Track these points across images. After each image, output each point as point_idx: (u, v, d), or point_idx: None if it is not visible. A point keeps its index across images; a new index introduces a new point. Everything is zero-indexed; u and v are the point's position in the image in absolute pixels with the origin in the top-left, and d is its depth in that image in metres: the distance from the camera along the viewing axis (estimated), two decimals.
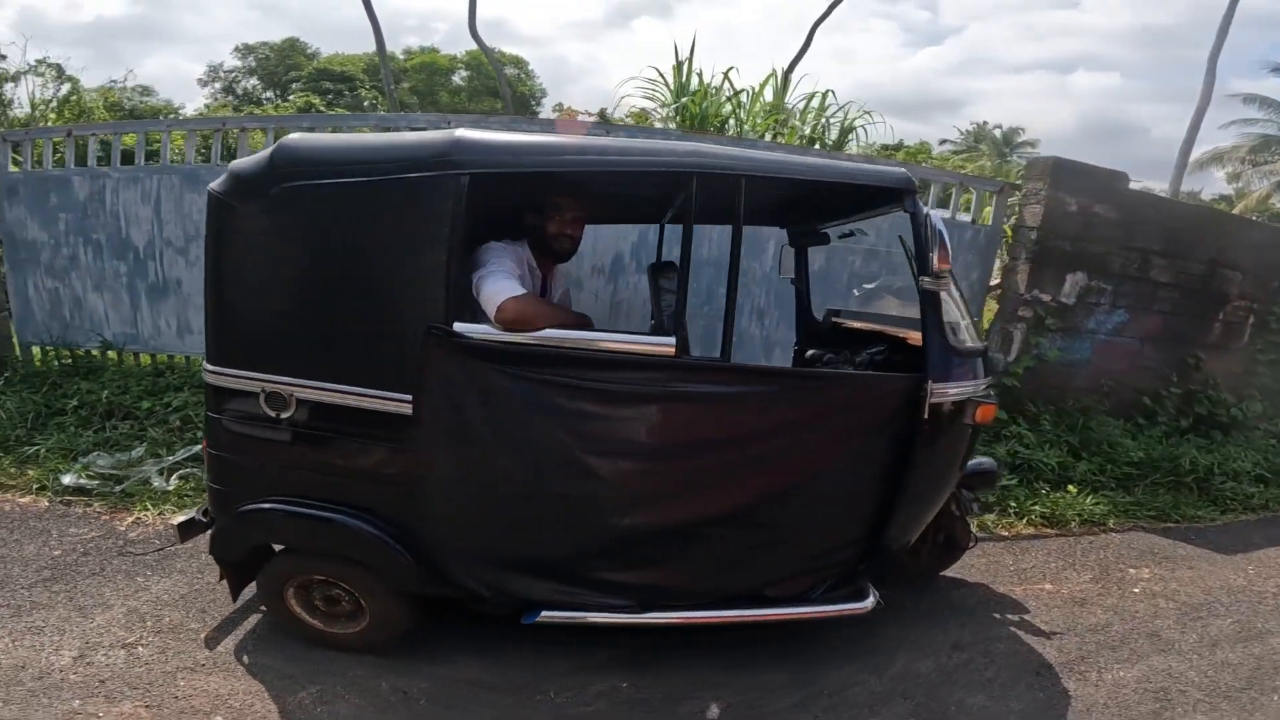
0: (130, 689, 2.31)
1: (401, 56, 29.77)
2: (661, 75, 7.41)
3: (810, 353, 3.64)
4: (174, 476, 3.90)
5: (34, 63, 8.28)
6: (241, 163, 2.37)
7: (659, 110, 7.49)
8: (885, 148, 10.72)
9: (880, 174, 2.48)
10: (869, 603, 2.50)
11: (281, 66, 30.60)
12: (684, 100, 7.13)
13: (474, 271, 2.37)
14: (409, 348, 2.17)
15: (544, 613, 2.38)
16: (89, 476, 3.86)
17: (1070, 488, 4.40)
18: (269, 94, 29.61)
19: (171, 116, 13.15)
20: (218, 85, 34.56)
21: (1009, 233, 5.21)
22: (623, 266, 4.86)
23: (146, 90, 21.81)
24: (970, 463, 3.26)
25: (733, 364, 2.38)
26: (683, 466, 2.33)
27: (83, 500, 3.71)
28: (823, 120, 7.13)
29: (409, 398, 2.20)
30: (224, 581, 2.55)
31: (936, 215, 2.25)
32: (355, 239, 2.23)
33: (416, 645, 2.58)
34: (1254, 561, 3.80)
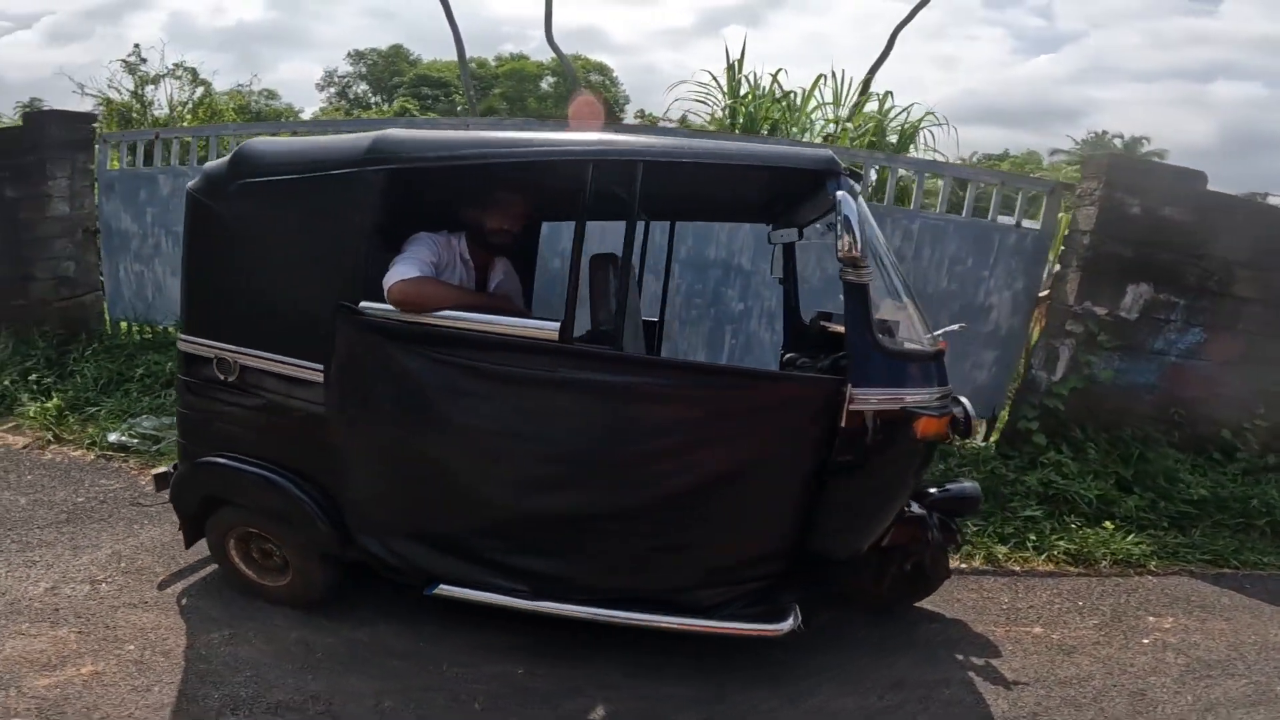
0: (75, 617, 2.56)
1: (493, 63, 31.19)
2: (715, 79, 7.36)
3: (786, 356, 3.46)
4: None
5: (171, 66, 9.32)
6: (212, 164, 2.69)
7: (707, 114, 7.42)
8: (989, 157, 10.01)
9: (798, 156, 2.32)
10: (784, 626, 2.29)
11: (387, 72, 32.86)
12: (729, 103, 7.05)
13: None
14: (323, 322, 2.33)
15: (441, 586, 2.41)
16: (132, 436, 4.31)
17: (1107, 523, 3.85)
18: (376, 98, 31.89)
19: (291, 119, 14.46)
20: (332, 90, 37.78)
21: (1061, 238, 4.68)
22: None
23: (271, 94, 24.24)
24: (952, 486, 2.96)
25: (620, 353, 2.29)
26: (571, 456, 2.27)
27: (121, 456, 4.15)
28: (884, 124, 6.78)
29: (321, 367, 2.37)
30: (181, 530, 2.77)
31: (848, 199, 2.05)
32: (292, 227, 2.46)
33: (342, 605, 2.70)
34: None
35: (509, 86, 28.00)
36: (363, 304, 2.29)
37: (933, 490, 2.97)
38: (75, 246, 5.46)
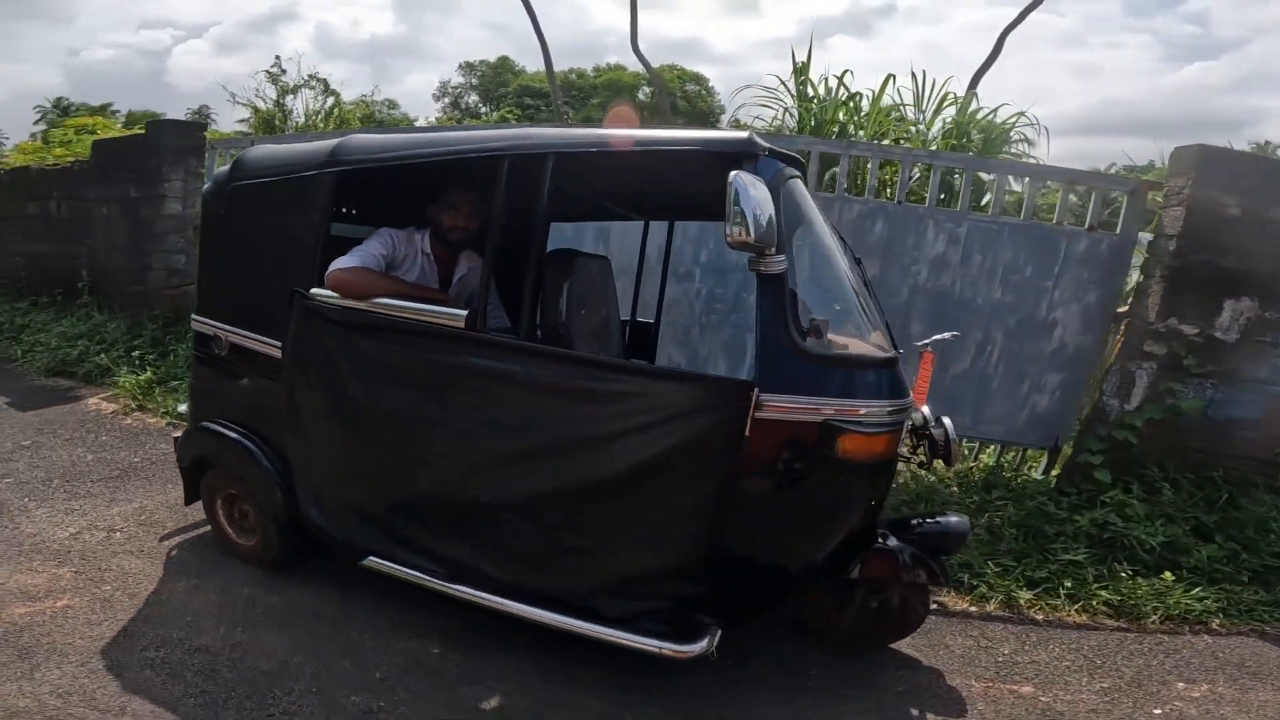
0: (79, 559, 2.89)
1: (592, 73, 31.91)
2: (783, 83, 7.13)
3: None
4: None
5: (307, 77, 10.33)
6: (220, 169, 2.95)
7: (772, 118, 7.18)
8: (1128, 169, 8.97)
9: (710, 139, 2.15)
10: (693, 649, 2.11)
11: (494, 83, 34.58)
12: (797, 106, 6.77)
13: None
14: (283, 305, 2.53)
15: (370, 559, 2.50)
16: None
17: (1167, 574, 3.24)
18: (485, 108, 33.66)
19: (406, 126, 15.67)
20: (447, 100, 40.18)
21: (1145, 245, 4.03)
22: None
23: (392, 104, 26.39)
24: (938, 519, 2.61)
25: (521, 343, 2.22)
26: (475, 443, 2.26)
27: (184, 425, 4.64)
28: (966, 126, 6.23)
29: (279, 343, 2.57)
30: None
31: (744, 179, 1.83)
32: (269, 221, 2.73)
33: (304, 569, 2.85)
34: None
35: (606, 96, 28.64)
36: (313, 290, 2.46)
37: (915, 522, 2.65)
38: (185, 241, 6.21)
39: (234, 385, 2.85)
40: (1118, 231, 4.03)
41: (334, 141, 2.60)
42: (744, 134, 2.04)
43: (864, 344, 2.27)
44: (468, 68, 41.15)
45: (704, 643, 2.12)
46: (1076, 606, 3.09)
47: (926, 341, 2.62)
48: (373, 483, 2.47)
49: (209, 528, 3.17)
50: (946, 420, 2.44)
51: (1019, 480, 4.14)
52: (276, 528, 2.74)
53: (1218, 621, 3.04)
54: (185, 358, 5.63)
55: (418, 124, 22.97)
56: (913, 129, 6.49)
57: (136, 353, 5.62)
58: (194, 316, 2.99)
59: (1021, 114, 6.15)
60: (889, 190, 4.73)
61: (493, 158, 2.27)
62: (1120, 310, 4.08)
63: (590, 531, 2.19)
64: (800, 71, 6.62)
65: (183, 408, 4.78)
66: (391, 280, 2.60)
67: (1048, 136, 6.82)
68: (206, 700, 2.15)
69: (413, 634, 2.55)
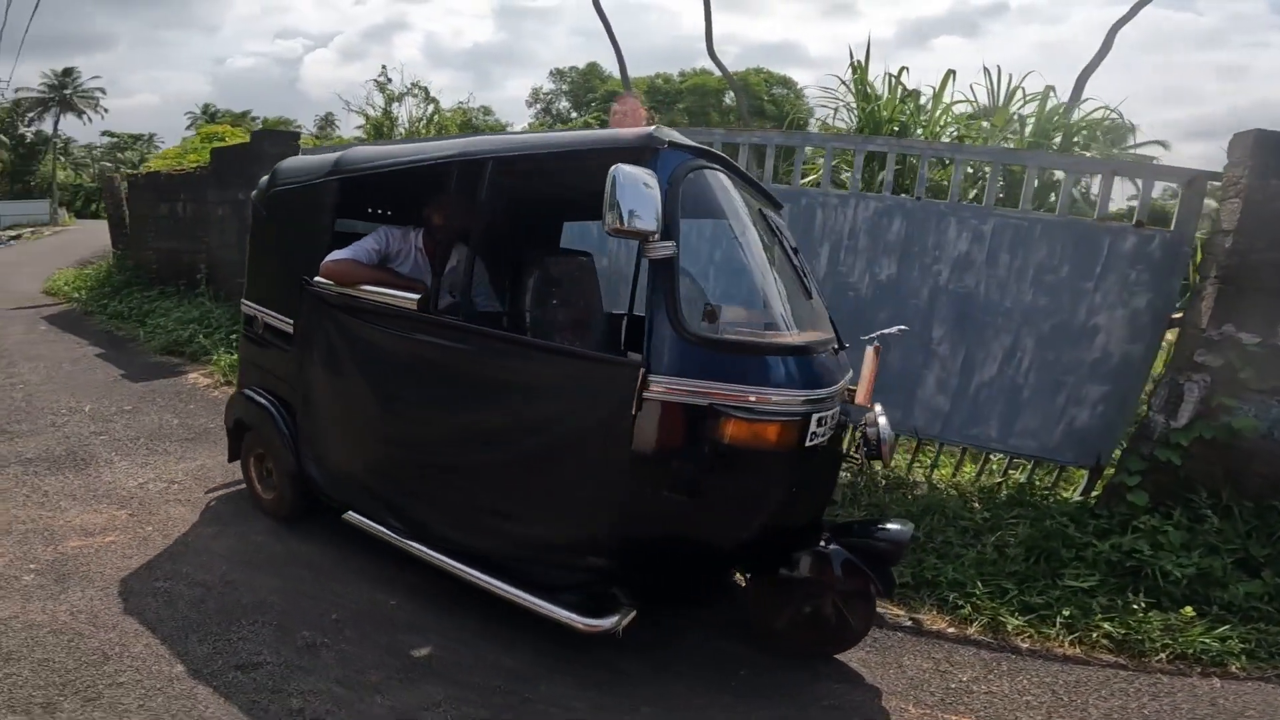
0: (137, 504, 3.42)
1: (678, 78, 31.57)
2: (844, 83, 6.95)
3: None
4: None
5: (409, 86, 11.26)
6: (262, 178, 3.41)
7: (835, 118, 7.01)
8: None
9: (615, 137, 2.21)
10: (599, 624, 2.19)
11: (583, 89, 35.26)
12: (859, 105, 6.57)
13: None
14: (297, 290, 2.94)
15: (350, 513, 2.84)
16: None
17: (1187, 609, 2.86)
18: (575, 114, 34.52)
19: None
20: (539, 106, 41.34)
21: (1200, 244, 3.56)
22: None
23: (487, 110, 27.78)
24: (878, 525, 2.50)
25: (449, 319, 2.40)
26: (424, 410, 2.54)
27: None
28: (1043, 122, 5.78)
29: (291, 320, 3.00)
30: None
31: (622, 172, 1.88)
32: (294, 222, 3.17)
33: (314, 525, 3.18)
34: None
35: (692, 101, 28.53)
36: (317, 279, 2.84)
37: (856, 527, 2.57)
38: None
39: (265, 358, 3.31)
40: (1172, 228, 3.59)
41: (338, 154, 3.00)
42: (645, 130, 2.10)
43: (779, 332, 2.23)
44: (558, 74, 42.45)
45: (612, 620, 2.19)
46: (1072, 638, 2.80)
47: (872, 336, 2.51)
48: (354, 445, 2.81)
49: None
50: (882, 418, 2.34)
51: (1050, 500, 3.79)
52: (289, 483, 3.13)
53: (1239, 664, 2.66)
54: None
55: (511, 129, 24.17)
56: (983, 125, 6.10)
57: (234, 336, 6.44)
58: (243, 300, 3.49)
59: (1107, 109, 5.58)
60: (976, 191, 4.49)
61: (446, 165, 2.50)
62: (1175, 316, 3.63)
63: (514, 499, 2.36)
64: (858, 72, 6.42)
65: None
66: (374, 270, 2.89)
67: (1133, 132, 6.13)
68: (185, 625, 2.50)
69: (381, 586, 2.82)
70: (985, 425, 3.97)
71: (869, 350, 2.44)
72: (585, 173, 2.61)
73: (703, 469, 2.05)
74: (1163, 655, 2.69)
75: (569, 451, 2.21)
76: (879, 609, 2.91)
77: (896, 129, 6.14)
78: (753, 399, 1.99)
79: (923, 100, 5.98)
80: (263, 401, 3.22)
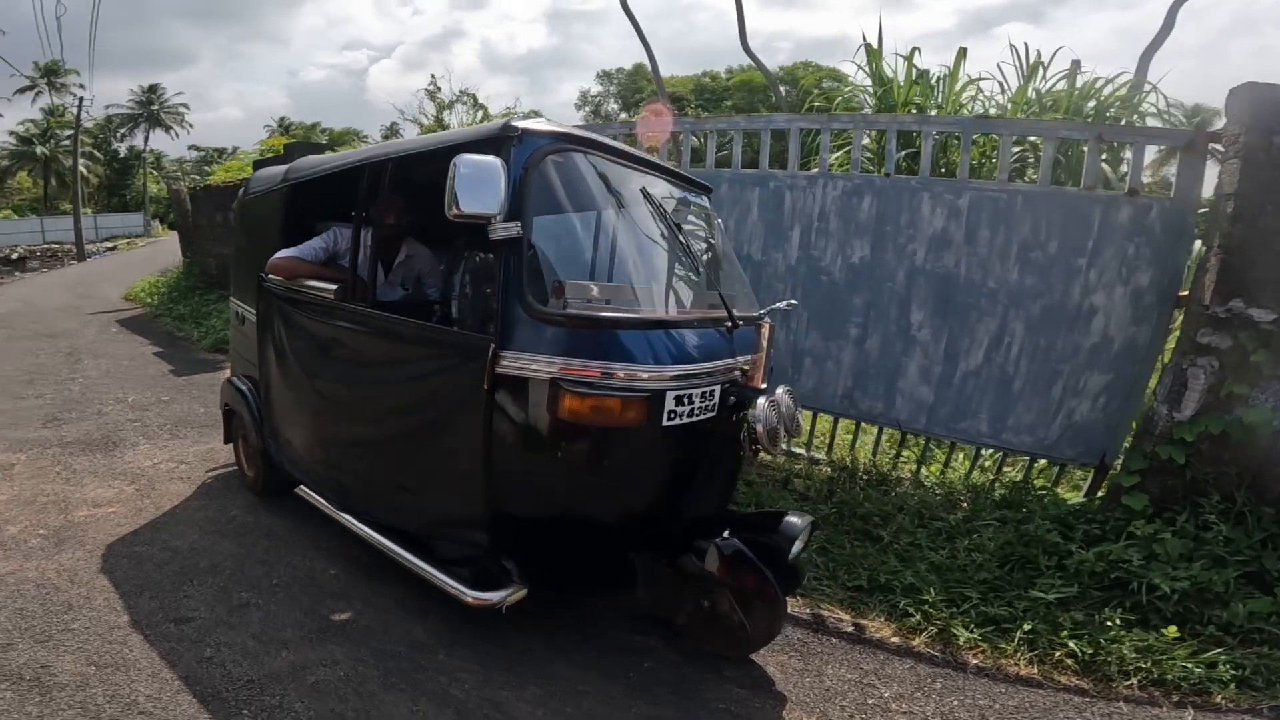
0: (145, 481, 3.83)
1: (725, 76, 31.10)
2: (861, 67, 6.74)
3: None
4: None
5: (459, 93, 11.86)
6: (241, 188, 3.82)
7: (854, 102, 6.78)
8: None
9: (478, 131, 2.30)
10: (487, 596, 2.25)
11: (630, 90, 35.48)
12: (875, 89, 6.34)
13: None
14: (257, 284, 3.25)
15: (300, 487, 3.13)
16: None
17: (1171, 628, 2.54)
18: (623, 115, 34.75)
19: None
20: (588, 109, 41.80)
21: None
22: None
23: (536, 114, 28.51)
24: (774, 519, 2.40)
25: (346, 304, 2.57)
26: (339, 388, 2.78)
27: None
28: (1074, 99, 5.36)
29: (254, 311, 3.30)
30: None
31: (461, 161, 1.96)
32: (258, 225, 3.56)
33: (290, 500, 3.40)
34: None
35: (739, 98, 28.11)
36: (269, 274, 3.14)
37: (752, 520, 2.50)
38: None
39: (243, 347, 3.66)
40: (1172, 195, 3.23)
41: (289, 165, 3.33)
42: (500, 122, 2.18)
43: (636, 308, 2.21)
44: (605, 76, 43.20)
45: (498, 595, 2.24)
46: (1032, 655, 2.54)
47: (761, 312, 2.44)
48: (298, 424, 3.05)
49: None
50: (762, 401, 2.25)
51: (1046, 501, 3.48)
52: (259, 460, 3.45)
53: (1225, 693, 2.31)
54: None
55: None
56: (997, 103, 5.71)
57: None
58: (230, 297, 3.87)
59: (1147, 84, 5.07)
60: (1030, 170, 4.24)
61: (359, 168, 2.73)
62: (1183, 294, 3.25)
63: (411, 474, 2.47)
64: (871, 56, 6.20)
65: None
66: (313, 265, 3.12)
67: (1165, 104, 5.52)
68: (145, 583, 2.77)
69: (325, 556, 3.05)
70: (974, 418, 3.70)
71: (759, 329, 2.38)
72: None
73: (555, 445, 2.06)
74: (1133, 680, 2.37)
75: (444, 427, 2.29)
76: (826, 612, 2.79)
77: (913, 111, 5.88)
78: (596, 374, 1.99)
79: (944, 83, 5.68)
80: (241, 387, 3.58)
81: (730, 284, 2.77)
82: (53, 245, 25.33)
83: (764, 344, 2.33)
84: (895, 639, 2.69)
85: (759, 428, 2.19)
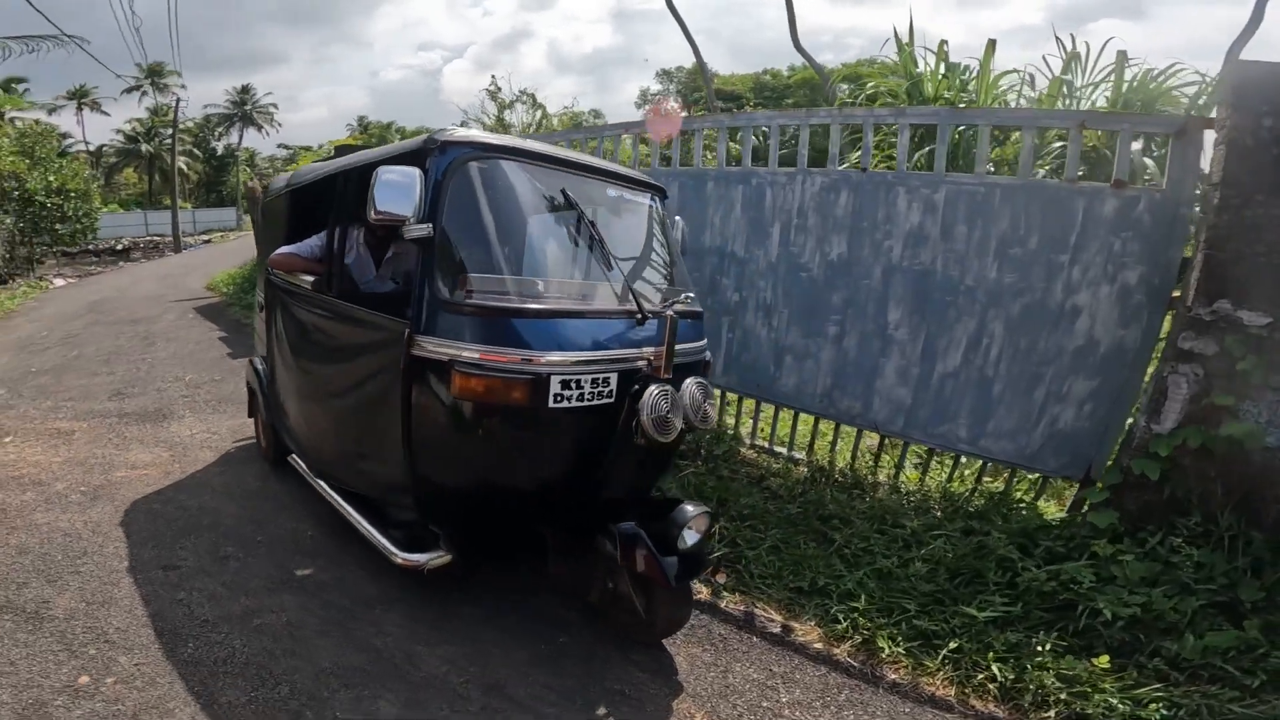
0: (180, 449, 4.37)
1: (786, 74, 29.89)
2: (895, 62, 6.56)
3: None
4: None
5: (519, 93, 12.19)
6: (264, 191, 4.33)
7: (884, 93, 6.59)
8: None
9: (409, 144, 2.54)
10: (414, 558, 2.51)
11: (690, 88, 35.00)
12: (905, 83, 6.15)
13: None
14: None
15: (291, 456, 3.54)
16: None
17: (1103, 658, 2.39)
18: (683, 113, 34.14)
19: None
20: (647, 107, 41.15)
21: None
22: None
23: (597, 113, 28.68)
24: (671, 506, 2.48)
25: (318, 295, 2.93)
26: (315, 367, 3.16)
27: None
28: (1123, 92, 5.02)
29: (264, 299, 3.71)
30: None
31: (380, 173, 2.24)
32: (270, 223, 4.02)
33: (286, 467, 3.80)
34: None
35: (801, 96, 27.02)
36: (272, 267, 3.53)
37: (656, 506, 2.57)
38: None
39: (259, 330, 4.11)
40: (1163, 186, 2.99)
41: (293, 171, 3.74)
42: (425, 135, 2.41)
43: (536, 299, 2.36)
44: (665, 75, 43.08)
45: (423, 557, 2.50)
46: (954, 675, 2.46)
47: (667, 304, 2.52)
48: (290, 399, 3.44)
49: None
50: (654, 389, 2.33)
51: (1016, 514, 3.32)
52: (267, 431, 3.90)
53: None
54: None
55: None
56: (1028, 95, 5.40)
57: None
58: (256, 287, 4.36)
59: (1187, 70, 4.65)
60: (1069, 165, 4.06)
61: (330, 178, 3.10)
62: (1176, 295, 3.01)
63: (359, 442, 2.77)
64: (902, 48, 6.03)
65: None
66: (305, 260, 3.46)
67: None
68: (151, 535, 3.20)
69: (310, 519, 3.41)
70: (953, 423, 3.57)
71: (664, 320, 2.46)
72: None
73: (455, 419, 2.26)
74: (1051, 712, 2.25)
75: (380, 401, 2.52)
76: (760, 611, 2.80)
77: (946, 101, 5.67)
78: (479, 356, 2.17)
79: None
80: (257, 367, 4.03)
81: (657, 278, 2.87)
82: (154, 237, 27.87)
83: (666, 337, 2.42)
84: (819, 645, 2.66)
85: (643, 416, 2.28)
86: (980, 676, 2.44)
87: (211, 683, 2.24)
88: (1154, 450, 2.81)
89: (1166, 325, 3.08)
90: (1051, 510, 3.38)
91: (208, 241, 30.15)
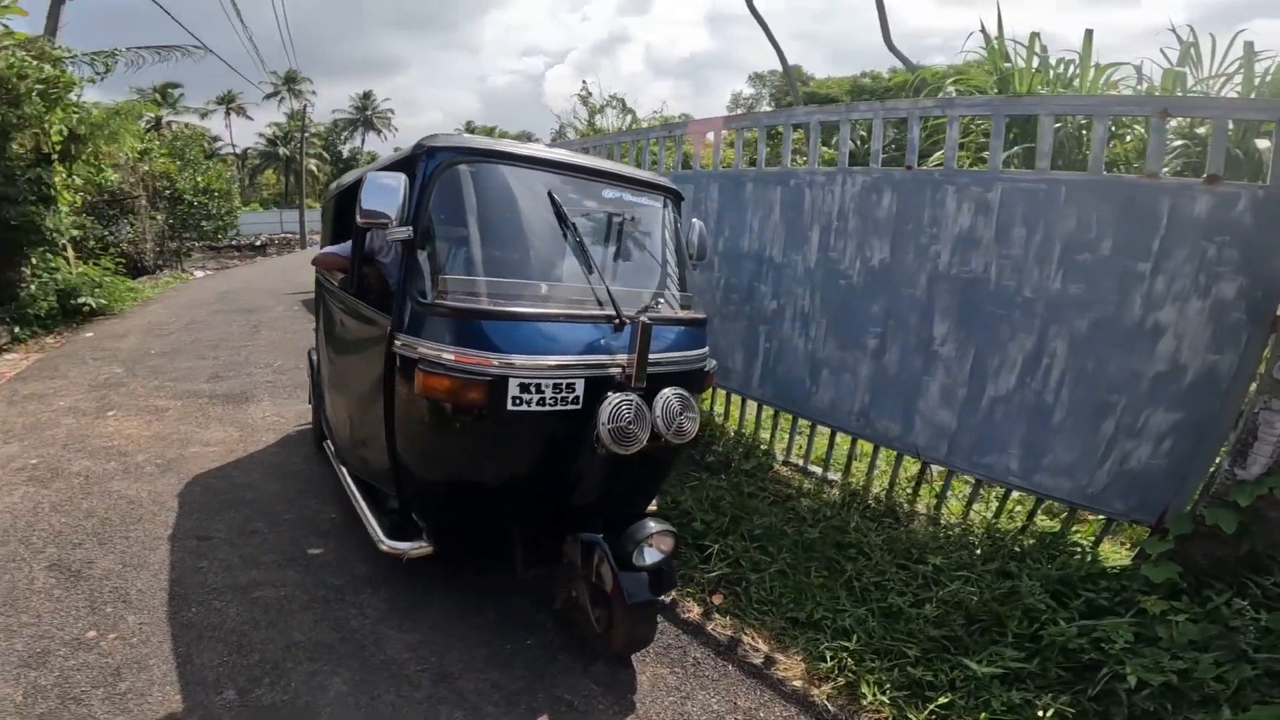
0: (248, 429, 4.84)
1: (886, 75, 27.83)
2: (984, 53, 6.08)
3: None
4: None
5: (609, 98, 12.59)
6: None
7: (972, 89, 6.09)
8: None
9: (402, 152, 2.67)
10: (397, 545, 2.59)
11: (783, 92, 33.72)
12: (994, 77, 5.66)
13: None
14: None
15: (325, 441, 3.82)
16: None
17: None
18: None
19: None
20: (740, 110, 40.20)
21: None
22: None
23: (689, 117, 28.38)
24: (641, 520, 2.41)
25: (339, 289, 3.15)
26: (340, 358, 3.34)
27: None
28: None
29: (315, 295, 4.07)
30: None
31: (371, 177, 2.38)
32: (324, 224, 4.37)
33: (324, 453, 4.13)
34: None
35: (903, 96, 25.41)
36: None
37: (624, 519, 2.49)
38: None
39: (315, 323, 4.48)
40: (1267, 181, 2.50)
41: (339, 179, 4.07)
42: (417, 141, 2.52)
43: (507, 302, 2.35)
44: (757, 79, 42.61)
45: (405, 545, 2.59)
46: (924, 714, 2.24)
47: (635, 312, 2.43)
48: (325, 387, 3.73)
49: None
50: (615, 396, 2.26)
51: (1076, 560, 2.91)
52: (316, 415, 4.26)
53: None
54: None
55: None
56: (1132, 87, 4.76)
57: None
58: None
59: None
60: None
61: (353, 186, 3.32)
62: None
63: (360, 430, 2.93)
64: (990, 42, 5.56)
65: None
66: (342, 259, 3.73)
67: None
68: (199, 507, 3.58)
69: (335, 502, 3.67)
70: (1002, 452, 3.20)
71: (637, 327, 2.38)
72: None
73: (422, 415, 2.34)
74: None
75: (372, 394, 2.64)
76: (747, 638, 2.68)
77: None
78: (447, 356, 2.21)
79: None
80: (312, 357, 4.40)
81: (654, 283, 2.80)
82: (287, 234, 30.91)
83: (638, 343, 2.35)
84: (798, 682, 2.49)
85: (599, 425, 2.23)
86: None
87: (195, 645, 2.46)
88: (1233, 499, 2.37)
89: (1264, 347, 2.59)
90: (1117, 556, 2.94)
91: None
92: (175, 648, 2.43)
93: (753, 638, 2.72)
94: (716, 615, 2.85)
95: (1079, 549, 2.98)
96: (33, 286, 7.76)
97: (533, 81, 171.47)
